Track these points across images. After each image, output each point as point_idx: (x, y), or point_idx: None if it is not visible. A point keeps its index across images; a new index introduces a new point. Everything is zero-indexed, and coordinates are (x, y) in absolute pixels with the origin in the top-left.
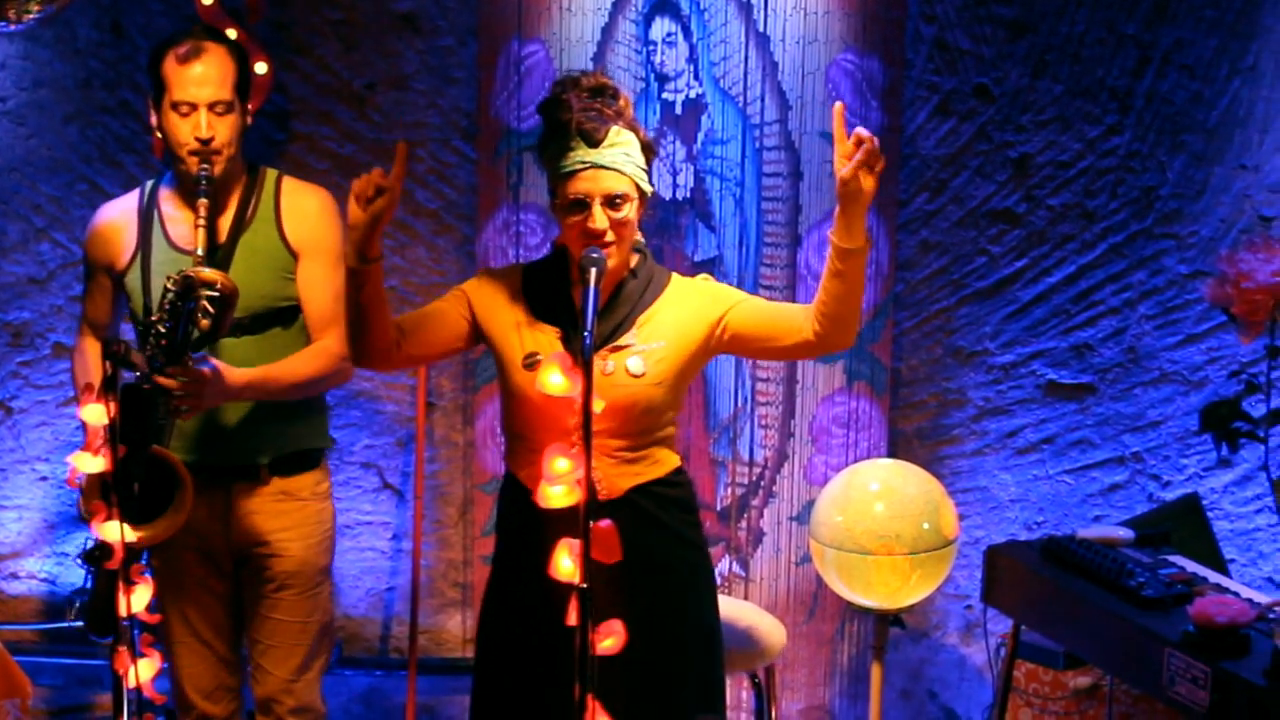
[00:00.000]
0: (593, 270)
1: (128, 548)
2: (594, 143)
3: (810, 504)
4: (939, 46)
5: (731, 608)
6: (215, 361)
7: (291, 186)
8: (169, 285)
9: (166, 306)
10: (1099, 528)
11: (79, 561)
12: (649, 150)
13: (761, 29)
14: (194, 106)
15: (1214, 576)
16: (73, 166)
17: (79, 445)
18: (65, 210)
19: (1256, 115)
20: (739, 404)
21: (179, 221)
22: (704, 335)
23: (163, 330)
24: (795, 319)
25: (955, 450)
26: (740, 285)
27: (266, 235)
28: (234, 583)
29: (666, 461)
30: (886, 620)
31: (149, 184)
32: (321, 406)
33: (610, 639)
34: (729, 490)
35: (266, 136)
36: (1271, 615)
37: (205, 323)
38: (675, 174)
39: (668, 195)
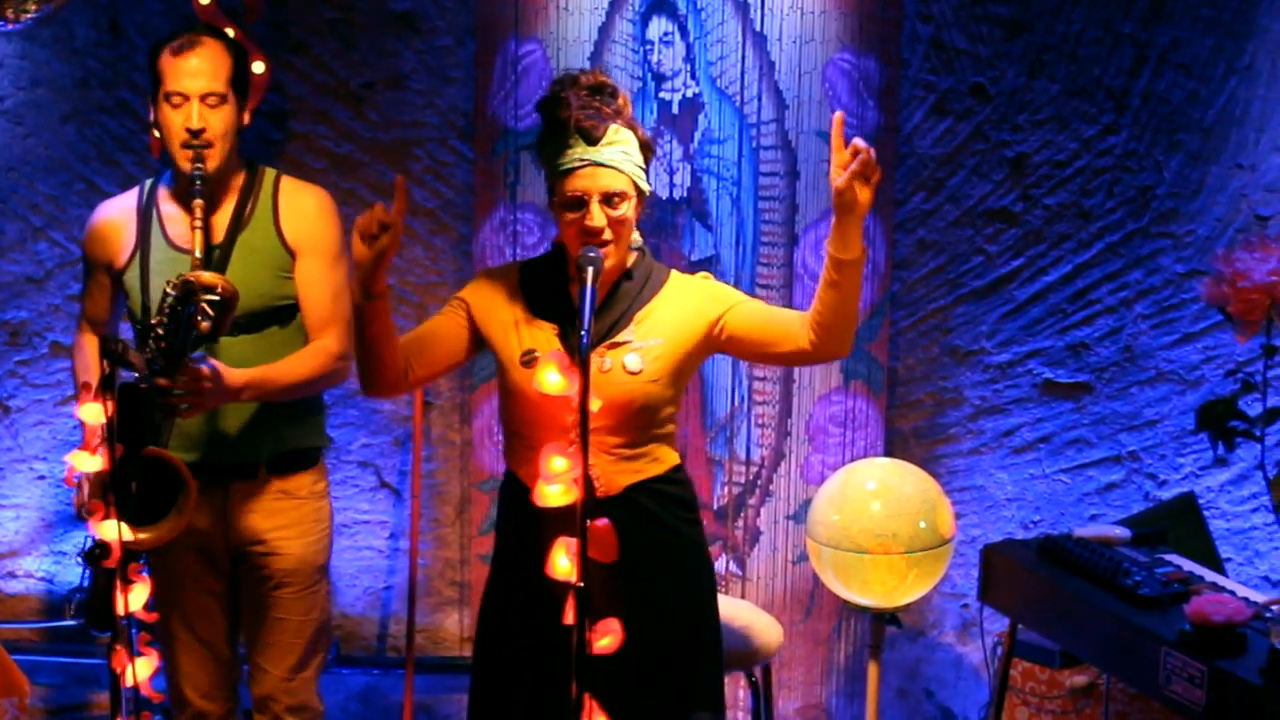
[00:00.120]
0: (590, 269)
1: (127, 547)
2: (592, 140)
3: (807, 503)
4: (935, 46)
5: (728, 607)
6: (214, 362)
7: (290, 186)
8: (168, 289)
9: (166, 310)
10: (1095, 526)
11: (78, 559)
12: (647, 149)
13: (758, 28)
14: (185, 98)
15: (1210, 575)
16: (70, 166)
17: (77, 444)
18: (63, 209)
19: (1253, 114)
20: (736, 403)
21: (178, 220)
22: (702, 334)
23: (162, 333)
24: (792, 326)
25: (952, 449)
26: (737, 285)
27: (264, 234)
28: (231, 581)
29: (666, 459)
30: (883, 619)
31: (148, 182)
32: (318, 406)
33: (607, 638)
34: (726, 489)
35: (264, 135)
36: (1268, 614)
37: (205, 325)
38: (672, 173)
39: (664, 194)
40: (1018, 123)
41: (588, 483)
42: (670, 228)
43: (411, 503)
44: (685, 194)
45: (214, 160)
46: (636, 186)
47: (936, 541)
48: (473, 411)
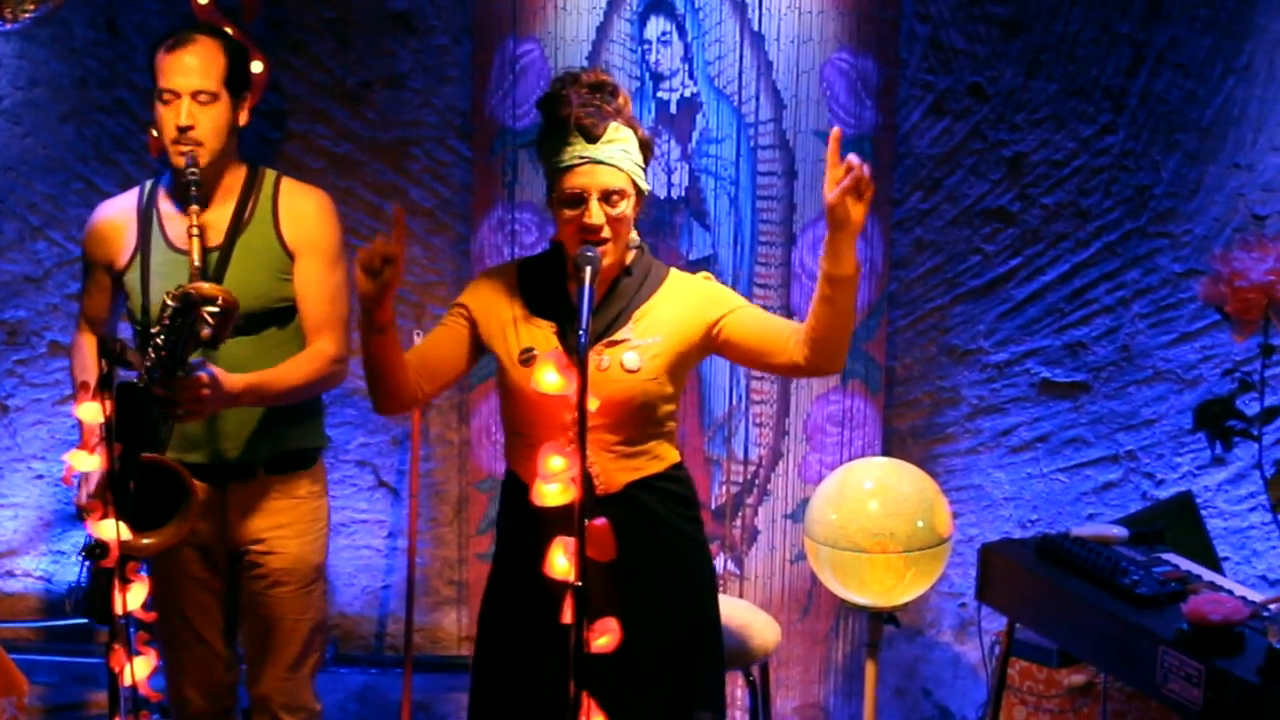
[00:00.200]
0: (587, 268)
1: (130, 551)
2: (592, 138)
3: (805, 502)
4: (933, 46)
5: (726, 606)
6: (213, 369)
7: (290, 187)
8: (168, 300)
9: (166, 320)
10: (1093, 526)
11: (79, 555)
12: (647, 148)
13: (756, 28)
14: (177, 95)
15: (1208, 574)
16: (68, 165)
17: (75, 443)
18: (61, 209)
19: (1250, 114)
20: (734, 402)
21: (178, 221)
22: (700, 334)
23: (161, 343)
24: (788, 339)
25: (949, 448)
26: (735, 284)
27: (264, 236)
28: (230, 580)
29: (666, 456)
30: (881, 618)
31: (148, 183)
32: (317, 407)
33: (605, 637)
34: (724, 488)
35: (262, 135)
36: (1265, 613)
37: (206, 333)
38: (670, 173)
39: (663, 194)
40: (1015, 122)
41: (587, 481)
42: (668, 227)
43: (409, 502)
44: (683, 193)
45: (205, 156)
46: (635, 185)
47: (934, 541)
48: (471, 411)
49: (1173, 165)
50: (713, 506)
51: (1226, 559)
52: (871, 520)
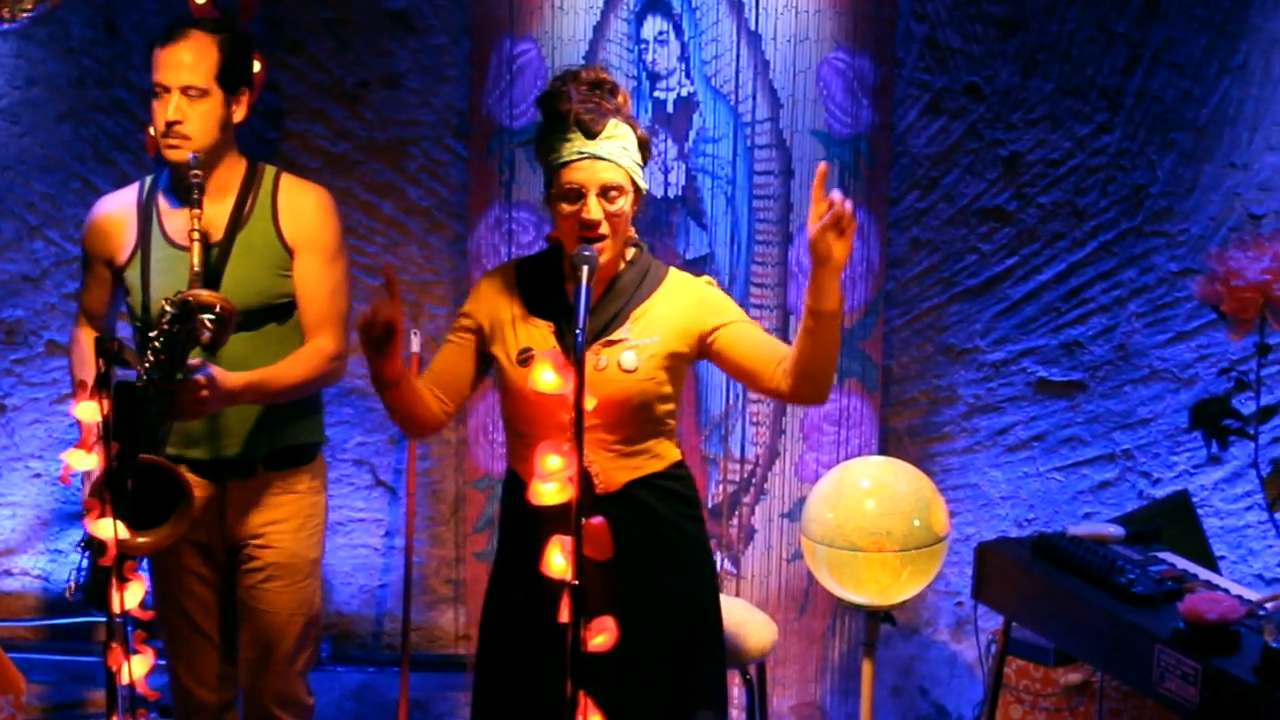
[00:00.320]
0: (585, 268)
1: (125, 550)
2: (591, 134)
3: (801, 501)
4: (930, 45)
5: (723, 604)
6: (212, 369)
7: (290, 184)
8: (167, 306)
9: (164, 326)
10: (1089, 525)
11: (80, 546)
12: (645, 148)
13: (753, 27)
14: (167, 89)
15: (1204, 573)
16: (66, 165)
17: (73, 442)
18: (59, 208)
19: (1246, 113)
20: (730, 401)
21: (177, 217)
22: (695, 339)
23: (160, 346)
24: (776, 365)
25: (946, 447)
26: (732, 283)
27: (263, 232)
28: (228, 575)
29: (667, 455)
30: (877, 617)
31: (148, 179)
32: (316, 403)
33: (602, 636)
34: (720, 487)
35: (259, 134)
36: (1262, 612)
37: (205, 337)
38: (667, 172)
39: (659, 193)
40: (1012, 121)
41: (585, 480)
42: (665, 226)
43: (407, 501)
44: (680, 193)
45: (191, 149)
46: (634, 183)
47: (931, 539)
48: (468, 410)
49: (1169, 164)
50: (709, 506)
51: (1223, 558)
52: (868, 519)
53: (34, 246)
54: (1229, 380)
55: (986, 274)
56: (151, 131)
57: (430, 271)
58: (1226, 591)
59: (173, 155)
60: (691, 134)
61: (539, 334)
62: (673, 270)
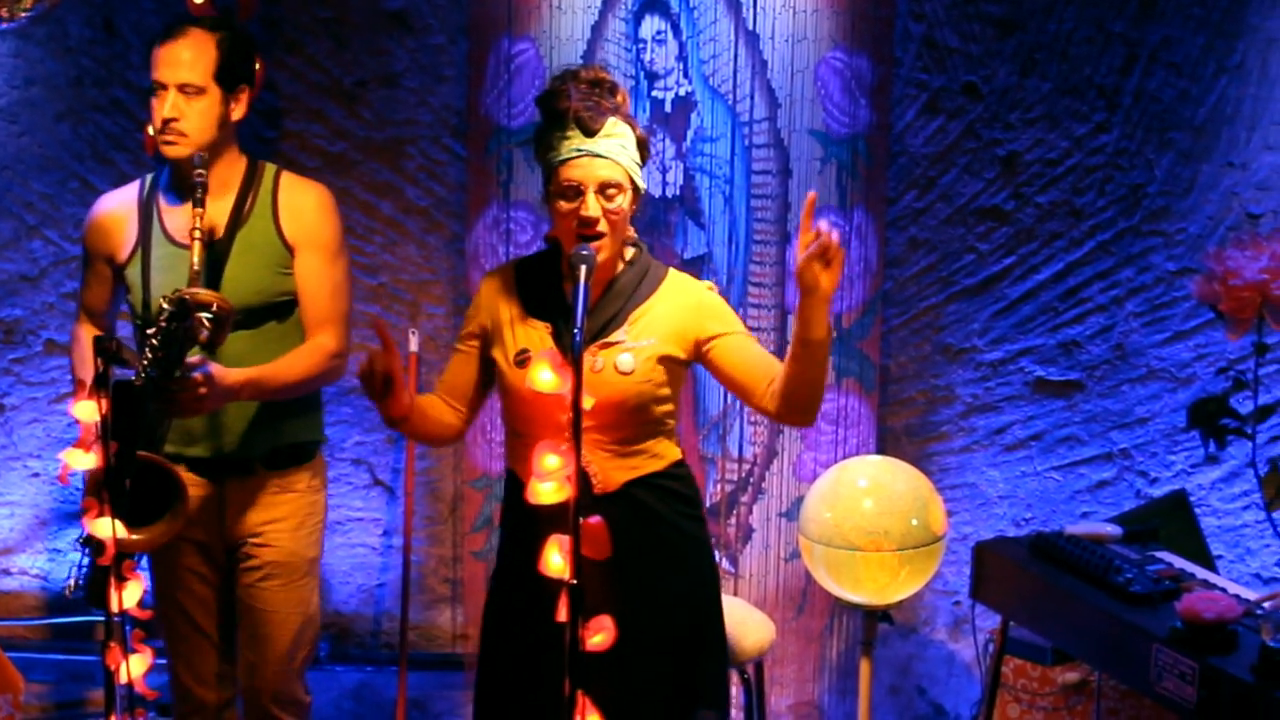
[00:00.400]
0: (582, 267)
1: (119, 547)
2: (590, 132)
3: (799, 500)
4: (927, 44)
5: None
6: (211, 366)
7: (290, 182)
8: (164, 304)
9: (162, 324)
10: (1087, 524)
11: (79, 545)
12: (644, 147)
13: (751, 27)
14: (165, 86)
15: (1201, 572)
16: (64, 164)
17: (71, 442)
18: (57, 208)
19: (1244, 113)
20: (728, 400)
21: (178, 216)
22: (691, 344)
23: (157, 344)
24: (767, 384)
25: (943, 447)
26: (730, 282)
27: (263, 231)
28: (227, 573)
29: (666, 454)
30: (875, 616)
31: (149, 177)
32: (316, 401)
33: (600, 635)
34: (718, 487)
35: (257, 134)
36: (1259, 611)
37: (203, 336)
38: (664, 171)
39: (657, 193)
40: (1009, 121)
41: (583, 479)
42: (663, 226)
43: (405, 500)
44: (678, 192)
45: (186, 149)
46: (633, 182)
47: (928, 539)
48: None
49: (1166, 164)
50: (707, 505)
51: (1220, 557)
52: (866, 518)
53: (32, 246)
54: (1227, 379)
55: (984, 273)
56: (150, 130)
57: (428, 271)
58: (1224, 591)
59: (170, 152)
60: (689, 133)
61: (536, 335)
62: (672, 271)
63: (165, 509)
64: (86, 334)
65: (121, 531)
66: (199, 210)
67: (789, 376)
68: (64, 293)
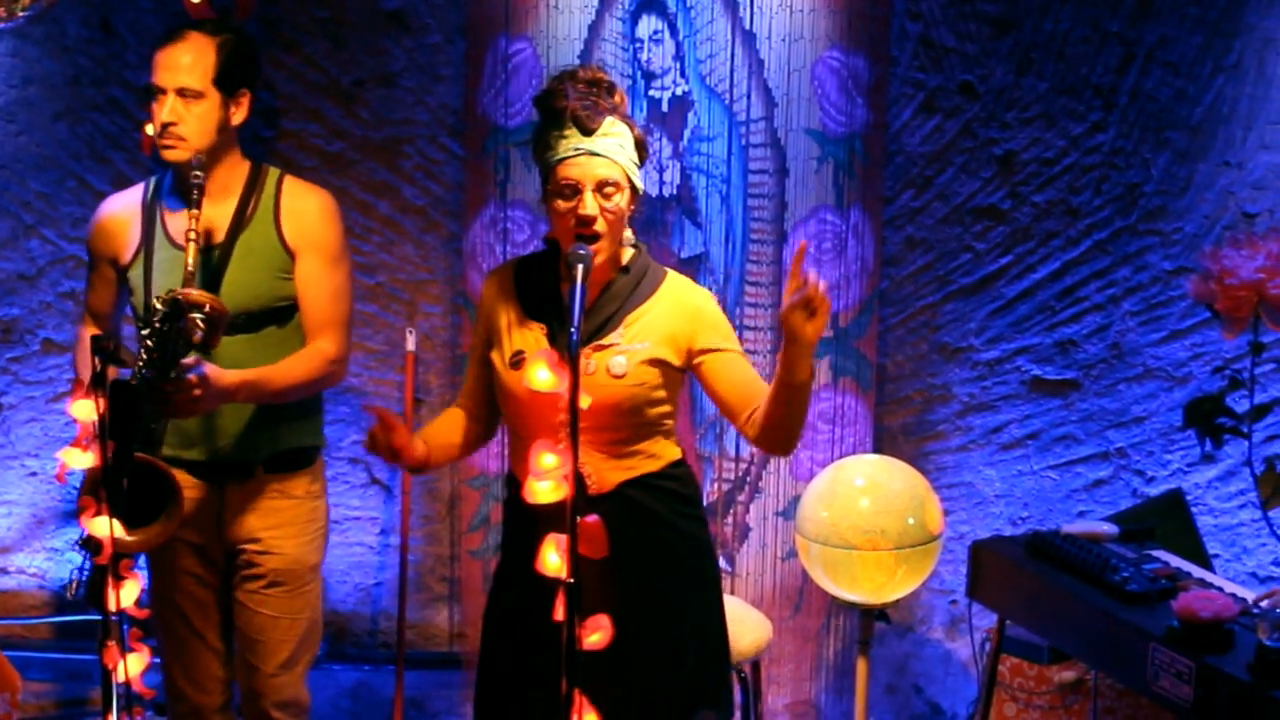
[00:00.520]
0: (580, 266)
1: (117, 547)
2: (588, 131)
3: (796, 499)
4: (924, 44)
5: None
6: (206, 367)
7: (292, 186)
8: (158, 304)
9: (156, 324)
10: (1083, 523)
11: (79, 546)
12: (642, 147)
13: (748, 26)
14: (164, 90)
15: (1198, 571)
16: (62, 163)
17: (69, 441)
18: (54, 207)
19: (1240, 112)
20: None
21: (179, 218)
22: (684, 352)
23: (152, 344)
24: (749, 410)
25: (940, 446)
26: (726, 282)
27: (265, 235)
28: (226, 577)
29: (663, 454)
30: (872, 615)
31: (153, 180)
32: (317, 406)
33: (597, 634)
34: (715, 486)
35: (255, 133)
36: (1255, 610)
37: (197, 337)
38: (661, 171)
39: (654, 192)
40: (1006, 120)
41: (578, 479)
42: (660, 225)
43: (402, 499)
44: (675, 191)
45: (185, 153)
46: (631, 181)
47: (925, 538)
48: None
49: (1163, 163)
50: (704, 504)
51: (1217, 556)
52: (863, 517)
53: (30, 245)
54: (1223, 379)
55: (981, 272)
56: (148, 130)
57: (425, 270)
58: (1220, 590)
59: (169, 156)
60: (686, 133)
61: (532, 336)
62: (671, 274)
63: (160, 510)
64: (90, 336)
65: (119, 531)
66: (195, 212)
67: (769, 412)
68: (61, 292)
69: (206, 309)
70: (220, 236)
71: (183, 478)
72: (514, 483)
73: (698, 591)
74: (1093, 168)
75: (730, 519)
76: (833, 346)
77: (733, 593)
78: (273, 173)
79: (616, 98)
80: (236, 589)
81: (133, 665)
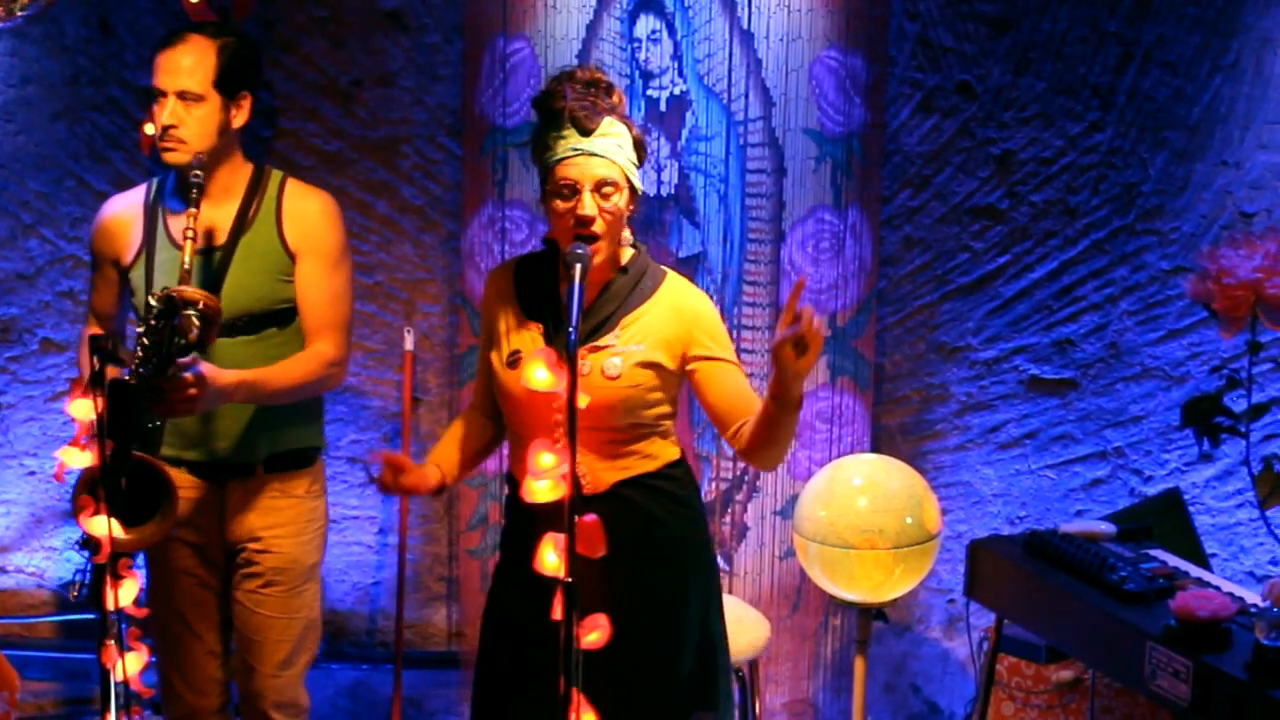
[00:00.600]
0: (577, 266)
1: (114, 544)
2: (586, 131)
3: (794, 499)
4: (922, 43)
5: None
6: (203, 366)
7: (295, 189)
8: (152, 301)
9: (151, 321)
10: (1081, 522)
11: (79, 546)
12: (640, 147)
13: (745, 26)
14: (164, 93)
15: (1195, 571)
16: (61, 163)
17: (67, 440)
18: (53, 206)
19: (1238, 112)
20: None
21: (182, 219)
22: (678, 356)
23: (148, 342)
24: (738, 422)
25: (938, 445)
26: (724, 281)
27: (266, 237)
28: (226, 577)
29: (661, 455)
30: (870, 614)
31: (155, 181)
32: (318, 407)
33: (595, 633)
34: (713, 485)
35: (253, 133)
36: (1253, 609)
37: (193, 335)
38: (659, 170)
39: (652, 191)
40: (1004, 120)
41: (575, 479)
42: (658, 225)
43: (400, 499)
44: (673, 191)
45: (185, 155)
46: (629, 182)
47: (923, 537)
48: (461, 408)
49: (1160, 163)
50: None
51: (1214, 555)
52: (860, 517)
53: (28, 245)
54: (1220, 378)
55: (978, 272)
56: (147, 129)
57: (423, 270)
58: (1218, 589)
59: (169, 158)
60: (684, 132)
61: (529, 336)
62: (671, 275)
63: (156, 508)
64: (89, 335)
65: (117, 530)
66: (193, 211)
67: (755, 433)
68: (60, 291)
69: (200, 305)
70: (222, 238)
71: (183, 477)
72: (512, 482)
73: (695, 591)
74: (1090, 167)
75: (728, 518)
76: (830, 346)
77: (731, 592)
78: (275, 175)
79: (615, 98)
80: (235, 588)
81: (131, 664)
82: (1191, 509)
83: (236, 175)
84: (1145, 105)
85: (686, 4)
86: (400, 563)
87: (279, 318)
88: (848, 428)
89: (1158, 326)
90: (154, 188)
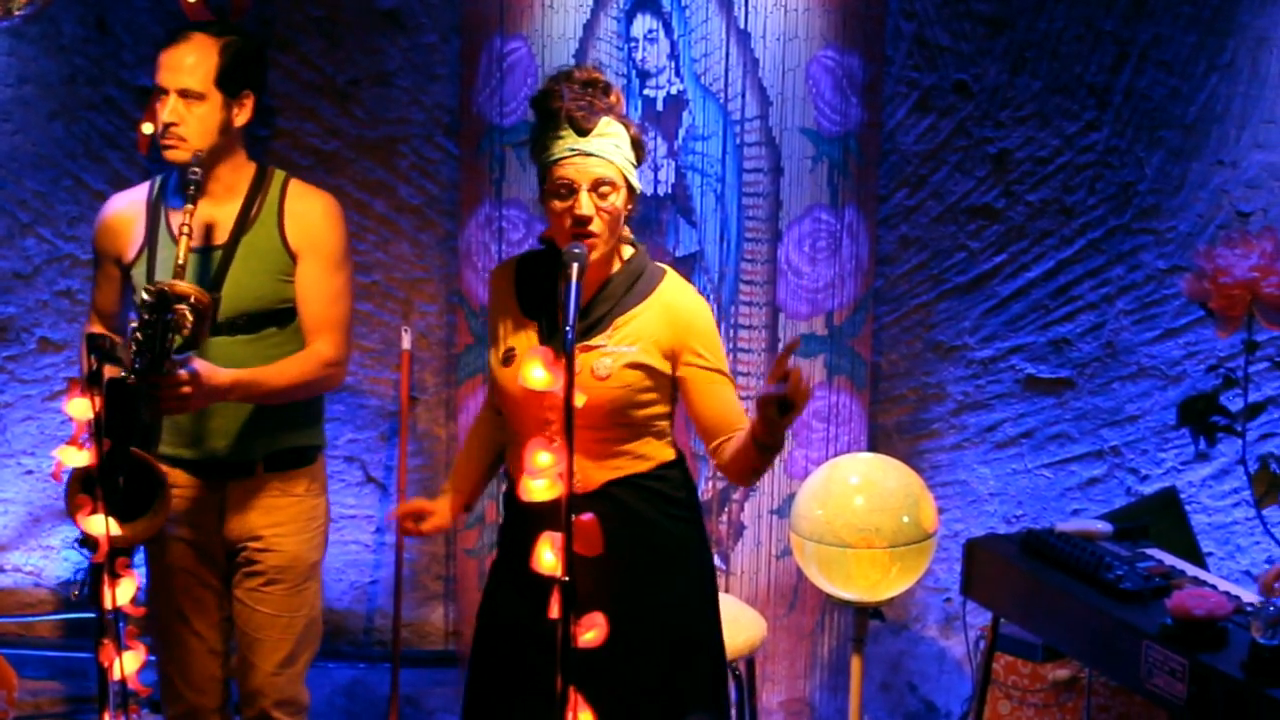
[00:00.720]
0: (574, 265)
1: (111, 542)
2: (583, 131)
3: (790, 497)
4: (918, 43)
5: None
6: (198, 364)
7: (297, 190)
8: (145, 296)
9: (145, 316)
10: (1077, 521)
11: (79, 547)
12: (639, 147)
13: (742, 26)
14: (166, 91)
15: (1192, 569)
16: (58, 162)
17: (65, 439)
18: (50, 206)
19: (1234, 111)
20: None
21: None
22: (670, 360)
23: (141, 337)
24: (721, 437)
25: (935, 444)
26: (721, 280)
27: (268, 237)
28: (226, 576)
29: (654, 456)
30: (866, 613)
31: (158, 179)
32: (318, 406)
33: (592, 632)
34: (710, 484)
35: (251, 132)
36: (1249, 608)
37: (186, 330)
38: (656, 170)
39: (649, 191)
40: (1000, 119)
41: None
42: (655, 224)
43: (398, 497)
44: (670, 190)
45: (185, 154)
46: (627, 181)
47: (919, 536)
48: (458, 407)
49: (1157, 162)
50: (700, 504)
51: (1210, 554)
52: (857, 515)
53: (26, 244)
54: (1217, 377)
55: (975, 271)
56: (144, 129)
57: (421, 269)
58: (1214, 588)
59: (169, 156)
60: (681, 132)
61: (525, 335)
62: (670, 277)
63: (148, 504)
64: (87, 334)
65: (115, 529)
66: (189, 207)
67: (735, 458)
68: (57, 290)
69: (192, 300)
70: (223, 237)
71: (182, 476)
72: (509, 480)
73: (687, 593)
74: (1087, 166)
75: (725, 517)
76: (827, 345)
77: (727, 591)
78: (278, 175)
79: (612, 97)
80: (236, 587)
81: (129, 663)
82: (1188, 508)
83: (239, 174)
84: (1141, 104)
85: (683, 3)
86: (397, 562)
87: (278, 317)
88: (844, 427)
89: (1154, 326)
90: (156, 185)
